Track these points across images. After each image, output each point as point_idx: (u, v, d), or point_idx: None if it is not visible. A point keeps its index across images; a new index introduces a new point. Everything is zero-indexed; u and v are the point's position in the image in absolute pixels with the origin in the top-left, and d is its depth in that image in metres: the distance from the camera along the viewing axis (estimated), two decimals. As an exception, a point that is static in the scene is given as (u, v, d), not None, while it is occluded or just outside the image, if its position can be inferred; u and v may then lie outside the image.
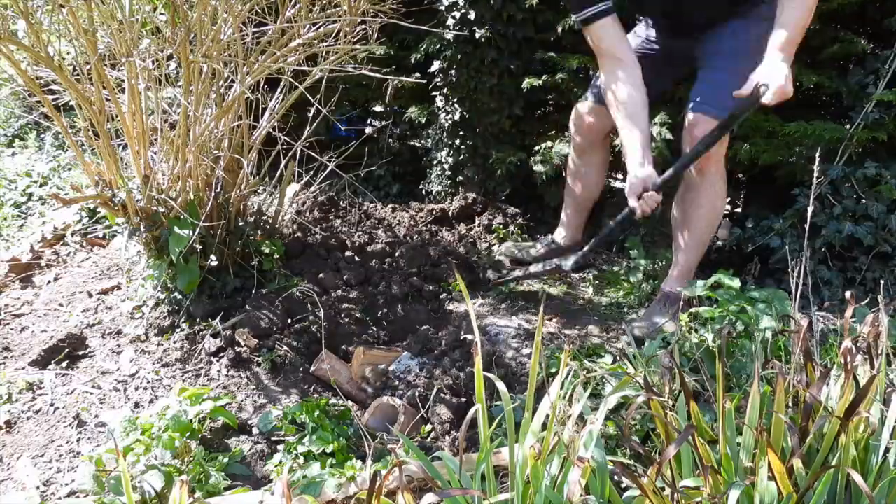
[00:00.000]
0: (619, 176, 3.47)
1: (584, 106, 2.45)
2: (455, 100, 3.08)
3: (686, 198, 2.24)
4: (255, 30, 2.07)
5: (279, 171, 2.45)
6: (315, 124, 2.43)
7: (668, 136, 2.63)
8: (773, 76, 1.89)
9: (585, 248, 2.35)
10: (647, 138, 2.09)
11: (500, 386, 1.29)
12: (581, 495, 1.02)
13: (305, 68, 2.12)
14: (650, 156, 2.07)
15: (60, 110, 2.09)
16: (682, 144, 2.19)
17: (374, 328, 2.16)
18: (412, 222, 3.08)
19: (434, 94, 3.18)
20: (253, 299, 2.18)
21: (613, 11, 2.07)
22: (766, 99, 1.90)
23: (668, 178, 2.04)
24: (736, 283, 2.10)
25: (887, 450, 1.26)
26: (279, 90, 2.28)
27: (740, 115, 2.01)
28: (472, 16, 2.88)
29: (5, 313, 2.35)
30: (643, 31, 2.38)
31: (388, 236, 2.84)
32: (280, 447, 1.65)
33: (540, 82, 2.83)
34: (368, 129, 3.60)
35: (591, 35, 2.11)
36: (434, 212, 3.12)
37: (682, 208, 2.27)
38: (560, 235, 2.77)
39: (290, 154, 2.40)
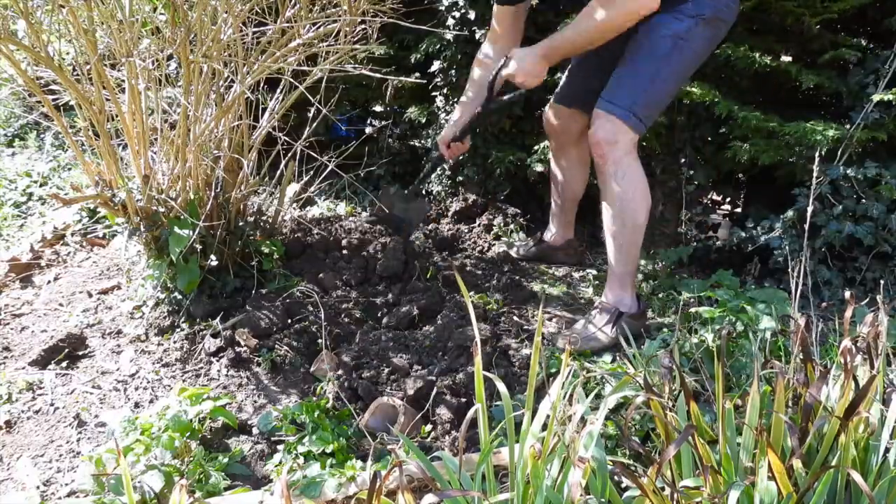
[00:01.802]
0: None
1: (548, 107, 2.55)
2: (455, 100, 3.08)
3: (603, 201, 2.14)
4: (255, 30, 2.07)
5: (279, 171, 2.45)
6: (315, 124, 2.43)
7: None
8: (519, 60, 2.13)
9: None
10: (475, 108, 2.38)
11: (500, 386, 1.29)
12: (581, 495, 1.02)
13: (305, 68, 2.12)
14: (466, 121, 2.41)
15: (60, 110, 2.09)
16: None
17: (375, 329, 2.16)
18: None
19: (434, 94, 3.18)
20: (253, 299, 2.18)
21: (521, 3, 2.32)
22: (505, 70, 2.17)
23: (463, 133, 2.46)
24: (736, 283, 2.10)
25: (887, 450, 1.26)
26: (279, 90, 2.28)
27: (505, 102, 2.38)
28: (472, 16, 2.88)
29: (5, 313, 2.35)
30: None
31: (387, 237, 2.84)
32: (280, 447, 1.65)
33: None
34: (368, 129, 3.60)
35: (494, 13, 2.38)
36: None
37: (604, 214, 2.17)
38: (549, 234, 2.80)
39: (290, 154, 2.40)
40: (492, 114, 2.72)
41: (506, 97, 2.32)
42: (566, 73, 2.54)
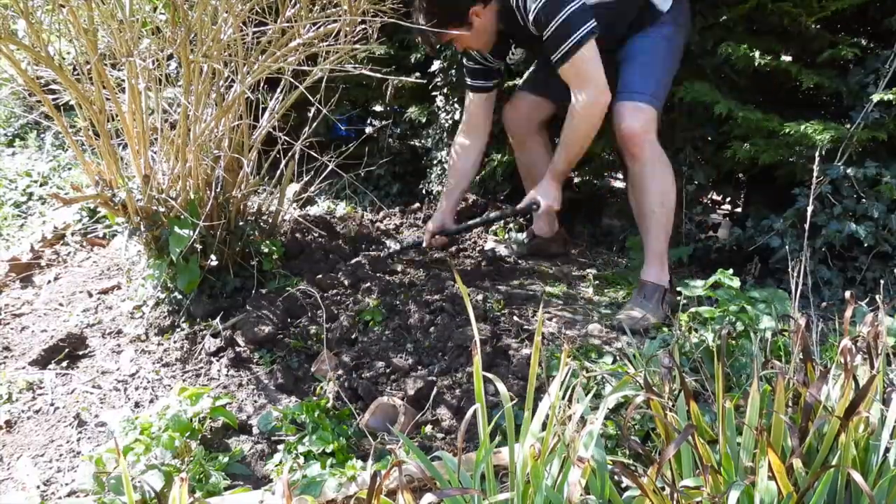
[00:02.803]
0: (619, 176, 3.48)
1: (512, 98, 2.69)
2: (455, 100, 3.08)
3: (634, 189, 2.36)
4: (255, 30, 2.06)
5: (279, 171, 2.45)
6: (315, 124, 2.43)
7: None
8: (546, 195, 2.38)
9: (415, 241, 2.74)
10: (461, 195, 2.70)
11: (500, 386, 1.29)
12: (581, 495, 1.02)
13: (305, 68, 2.12)
14: (454, 211, 2.68)
15: (60, 110, 2.09)
16: (614, 138, 2.31)
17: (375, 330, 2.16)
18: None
19: (434, 94, 3.18)
20: (253, 299, 2.18)
21: (492, 90, 2.55)
22: (539, 213, 2.43)
23: (456, 231, 2.67)
24: (736, 283, 2.10)
25: (887, 449, 1.26)
26: (279, 90, 2.28)
27: (511, 217, 2.73)
28: (472, 16, 2.87)
29: (5, 313, 2.35)
30: None
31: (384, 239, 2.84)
32: (280, 447, 1.65)
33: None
34: (368, 129, 3.60)
35: (468, 99, 2.59)
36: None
37: (633, 199, 2.40)
38: (539, 229, 2.86)
39: (290, 154, 2.40)
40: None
41: (517, 210, 2.51)
42: (534, 63, 2.67)
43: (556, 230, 2.86)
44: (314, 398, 1.82)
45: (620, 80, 2.29)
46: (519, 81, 2.84)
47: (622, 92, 2.25)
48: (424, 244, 2.65)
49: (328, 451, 1.59)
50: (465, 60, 2.52)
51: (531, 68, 2.74)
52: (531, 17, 2.17)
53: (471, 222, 2.68)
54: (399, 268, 2.58)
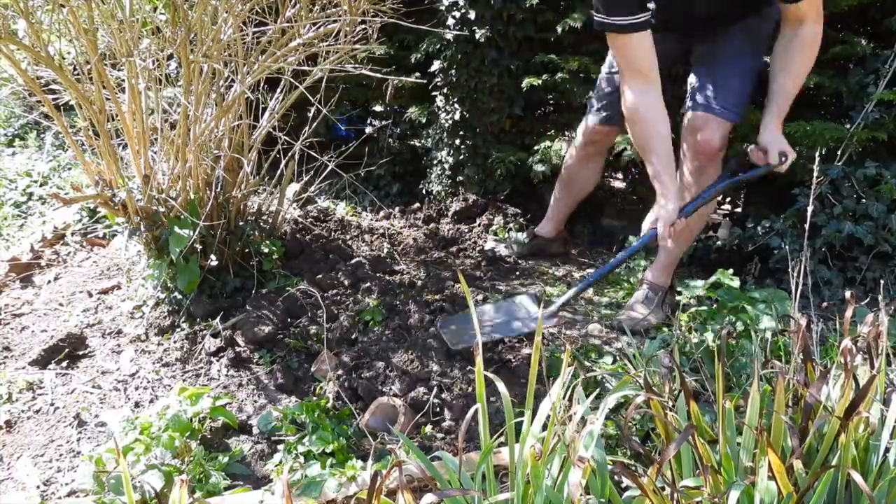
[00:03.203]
0: (619, 176, 3.48)
1: (593, 122, 2.47)
2: (455, 100, 3.08)
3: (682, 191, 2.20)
4: (255, 30, 2.07)
5: (279, 171, 2.45)
6: (315, 124, 2.43)
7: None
8: (788, 149, 2.01)
9: (578, 288, 2.07)
10: (672, 162, 2.01)
11: (501, 386, 1.29)
12: (581, 495, 1.02)
13: (305, 68, 2.12)
14: (675, 190, 1.99)
15: (60, 110, 2.09)
16: (683, 143, 2.18)
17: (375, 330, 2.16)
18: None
19: (434, 94, 3.18)
20: (253, 299, 2.18)
21: (650, 25, 1.93)
22: (782, 168, 2.04)
23: (689, 212, 2.02)
24: (736, 283, 2.10)
25: (887, 450, 1.26)
26: (279, 90, 2.28)
27: (755, 178, 2.10)
28: (472, 16, 2.88)
29: (5, 313, 2.35)
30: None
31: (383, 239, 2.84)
32: (280, 447, 1.65)
33: (539, 81, 2.83)
34: (368, 129, 3.60)
35: (624, 46, 1.96)
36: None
37: None
38: (544, 229, 2.85)
39: (290, 154, 2.40)
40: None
41: (759, 172, 2.09)
42: (610, 95, 2.36)
43: (558, 230, 2.86)
44: (314, 398, 1.82)
45: (716, 81, 2.07)
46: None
47: (714, 102, 2.05)
48: (667, 236, 1.97)
49: (328, 451, 1.59)
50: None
51: (606, 102, 2.41)
52: None
53: (702, 197, 2.06)
54: (399, 267, 2.58)
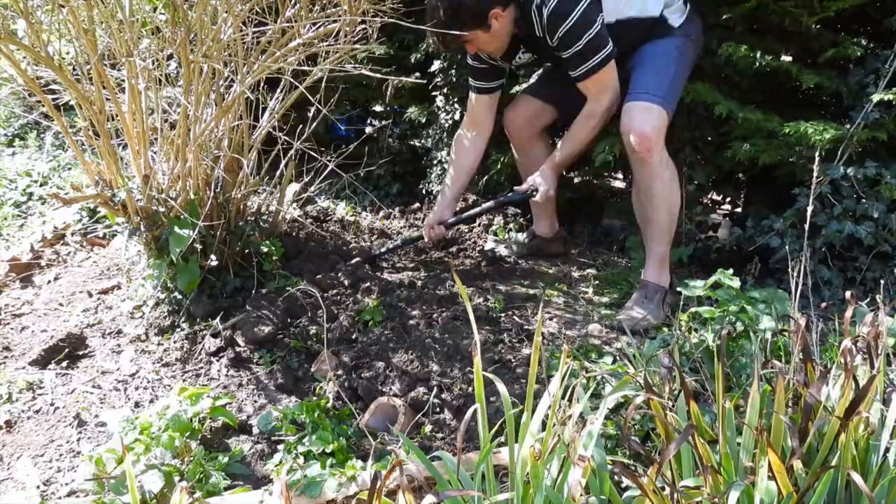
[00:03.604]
0: (619, 176, 3.48)
1: (517, 102, 2.70)
2: (455, 100, 3.08)
3: (640, 191, 2.37)
4: (255, 30, 2.06)
5: (279, 171, 2.45)
6: (315, 124, 2.43)
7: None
8: (545, 180, 2.43)
9: (390, 246, 2.69)
10: (459, 193, 2.70)
11: (500, 386, 1.29)
12: (581, 495, 1.02)
13: (305, 68, 2.12)
14: (453, 206, 2.68)
15: (60, 110, 2.09)
16: (623, 135, 2.28)
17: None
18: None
19: (434, 93, 3.18)
20: (253, 299, 2.18)
21: (496, 91, 2.56)
22: (537, 198, 2.45)
23: (455, 222, 2.67)
24: (736, 283, 2.10)
25: (887, 450, 1.26)
26: (279, 90, 2.28)
27: (509, 204, 2.72)
28: (472, 16, 2.87)
29: (5, 313, 2.35)
30: None
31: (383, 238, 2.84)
32: (280, 447, 1.65)
33: (540, 82, 2.83)
34: (368, 129, 3.60)
35: (472, 98, 2.59)
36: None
37: (638, 202, 2.40)
38: (540, 228, 2.87)
39: (289, 154, 2.40)
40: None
41: (515, 197, 2.54)
42: (542, 70, 2.69)
43: (557, 230, 2.87)
44: (314, 398, 1.82)
45: (632, 82, 2.30)
46: (521, 87, 2.84)
47: (633, 92, 2.26)
48: (425, 238, 2.63)
49: (328, 451, 1.59)
50: (471, 61, 2.51)
51: (536, 74, 2.74)
52: (552, 38, 2.19)
53: (470, 212, 2.67)
54: (399, 267, 2.58)
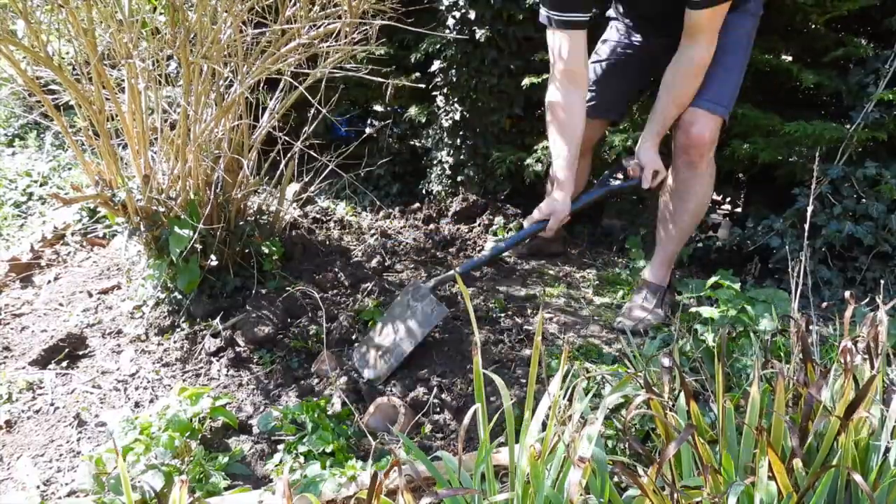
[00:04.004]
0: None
1: None
2: (455, 100, 3.08)
3: (676, 191, 2.29)
4: (255, 30, 2.07)
5: (279, 171, 2.45)
6: (315, 124, 2.43)
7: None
8: (661, 168, 2.16)
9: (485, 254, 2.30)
10: (575, 162, 2.17)
11: (501, 386, 1.29)
12: (581, 495, 1.02)
13: (305, 69, 2.12)
14: (572, 182, 2.16)
15: (60, 110, 2.09)
16: (675, 142, 2.22)
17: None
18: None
19: (434, 93, 3.18)
20: (253, 299, 2.18)
21: (588, 26, 2.08)
22: (653, 185, 2.18)
23: (577, 208, 2.20)
24: (736, 283, 2.10)
25: (887, 450, 1.26)
26: (279, 90, 2.28)
27: (627, 189, 2.28)
28: (472, 16, 2.88)
29: (5, 313, 2.35)
30: (621, 31, 2.40)
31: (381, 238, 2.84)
32: (280, 447, 1.65)
33: (540, 81, 2.83)
34: (368, 129, 3.60)
35: (559, 41, 2.08)
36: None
37: (671, 201, 2.32)
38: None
39: (289, 154, 2.40)
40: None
41: (626, 185, 2.27)
42: (593, 85, 2.41)
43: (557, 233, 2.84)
44: (314, 398, 1.81)
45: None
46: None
47: (703, 98, 2.11)
48: (548, 229, 2.17)
49: (328, 451, 1.59)
50: None
51: (591, 89, 2.42)
52: None
53: (586, 198, 2.26)
54: (399, 268, 2.58)
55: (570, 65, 2.09)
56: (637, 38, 2.36)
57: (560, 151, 2.16)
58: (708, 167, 2.21)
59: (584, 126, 2.17)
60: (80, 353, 2.10)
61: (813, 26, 2.48)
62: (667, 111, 2.13)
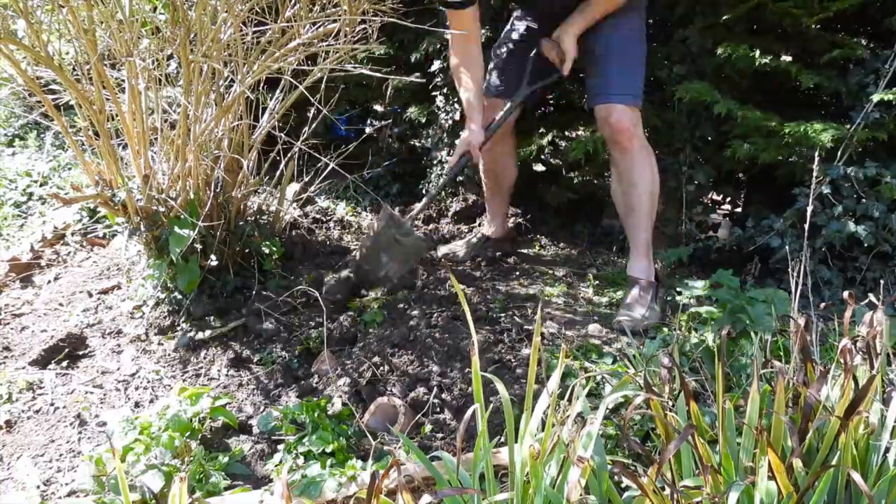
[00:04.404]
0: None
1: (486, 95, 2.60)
2: (455, 100, 3.08)
3: (623, 181, 2.39)
4: (255, 29, 2.06)
5: (279, 171, 2.45)
6: (315, 124, 2.43)
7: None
8: (574, 50, 2.31)
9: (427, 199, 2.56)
10: (480, 95, 2.44)
11: (500, 386, 1.29)
12: (581, 495, 1.02)
13: (305, 68, 2.12)
14: (479, 117, 2.41)
15: (60, 110, 2.09)
16: (606, 141, 2.36)
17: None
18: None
19: (434, 93, 3.18)
20: (253, 299, 2.18)
21: (475, 4, 2.35)
22: (564, 70, 2.34)
23: (496, 128, 2.43)
24: (736, 283, 2.10)
25: (887, 450, 1.26)
26: (279, 90, 2.28)
27: (548, 84, 2.48)
28: (472, 15, 2.87)
29: (5, 313, 2.35)
30: (521, 26, 2.56)
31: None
32: (280, 447, 1.65)
33: (539, 81, 2.82)
34: (368, 129, 3.60)
35: (455, 18, 2.37)
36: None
37: (620, 192, 2.42)
38: (489, 230, 2.86)
39: (289, 154, 2.40)
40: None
41: (549, 79, 2.44)
42: (495, 69, 2.62)
43: (507, 230, 2.90)
44: (314, 398, 1.81)
45: (603, 77, 2.32)
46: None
47: (610, 94, 2.29)
48: (475, 158, 2.41)
49: (328, 451, 1.59)
50: None
51: (492, 77, 2.62)
52: None
53: (506, 108, 2.45)
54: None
55: (463, 28, 2.38)
56: (535, 25, 2.53)
57: (467, 88, 2.45)
58: (641, 148, 2.33)
59: (482, 68, 2.48)
60: (81, 353, 2.10)
61: (808, 28, 2.48)
62: (593, 11, 2.30)
